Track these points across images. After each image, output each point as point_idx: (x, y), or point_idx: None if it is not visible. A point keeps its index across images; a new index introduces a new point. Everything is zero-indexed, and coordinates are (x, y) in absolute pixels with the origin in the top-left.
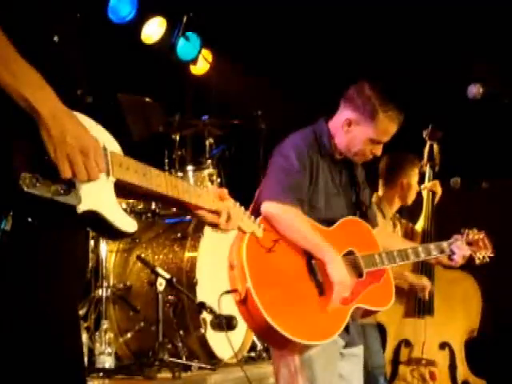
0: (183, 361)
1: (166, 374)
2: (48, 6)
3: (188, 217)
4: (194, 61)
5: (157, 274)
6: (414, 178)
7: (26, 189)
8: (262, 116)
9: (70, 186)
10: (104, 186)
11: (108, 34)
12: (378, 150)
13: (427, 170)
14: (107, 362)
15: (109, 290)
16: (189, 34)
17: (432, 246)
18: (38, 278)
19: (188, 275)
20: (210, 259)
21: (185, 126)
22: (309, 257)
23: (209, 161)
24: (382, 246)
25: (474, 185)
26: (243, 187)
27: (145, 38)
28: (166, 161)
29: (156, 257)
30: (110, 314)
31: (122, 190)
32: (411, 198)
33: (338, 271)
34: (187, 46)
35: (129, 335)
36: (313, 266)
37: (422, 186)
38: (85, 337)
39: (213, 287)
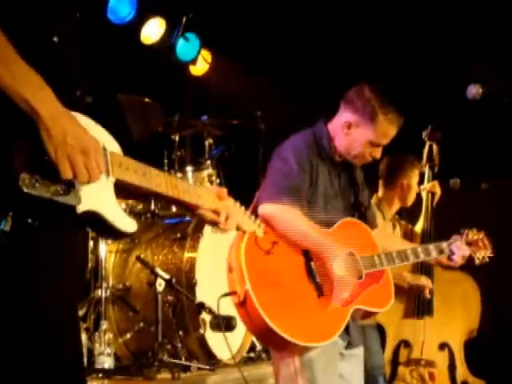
0: (182, 361)
1: (165, 375)
2: (48, 7)
3: (187, 217)
4: (194, 61)
5: (156, 275)
6: (414, 179)
7: (25, 189)
8: (261, 116)
9: (70, 186)
10: (104, 186)
11: (107, 34)
12: (378, 153)
13: (426, 170)
14: (106, 362)
15: (108, 291)
16: (188, 34)
17: (431, 246)
18: (37, 278)
19: (187, 276)
20: (209, 260)
21: (184, 127)
22: (307, 258)
23: (208, 161)
24: (382, 247)
25: (473, 185)
26: (243, 188)
27: (144, 39)
28: (166, 161)
29: (155, 257)
30: (109, 315)
31: (122, 190)
32: (411, 199)
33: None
34: (186, 47)
35: (128, 336)
36: (311, 267)
37: (422, 187)
38: (84, 337)
39: (212, 288)
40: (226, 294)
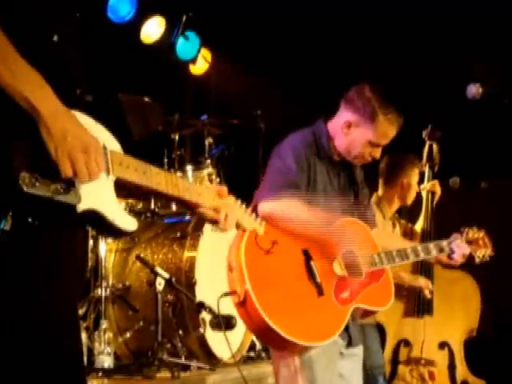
0: (182, 360)
1: (165, 374)
2: (48, 6)
3: (187, 216)
4: (194, 60)
5: (156, 274)
6: (414, 178)
7: (25, 188)
8: (261, 116)
9: (70, 185)
10: (104, 184)
11: (107, 33)
12: (377, 153)
13: (426, 169)
14: (106, 361)
15: (108, 290)
16: (188, 33)
17: (431, 245)
18: (37, 278)
19: (187, 275)
20: (209, 259)
21: (184, 126)
22: (307, 258)
23: (208, 160)
24: (381, 246)
25: (473, 185)
26: (242, 187)
27: (144, 38)
28: (166, 160)
29: (155, 256)
30: (109, 314)
31: (122, 188)
32: (411, 198)
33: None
34: (186, 46)
35: (128, 335)
36: (312, 267)
37: (422, 186)
38: (84, 336)
39: (212, 287)
40: (226, 294)
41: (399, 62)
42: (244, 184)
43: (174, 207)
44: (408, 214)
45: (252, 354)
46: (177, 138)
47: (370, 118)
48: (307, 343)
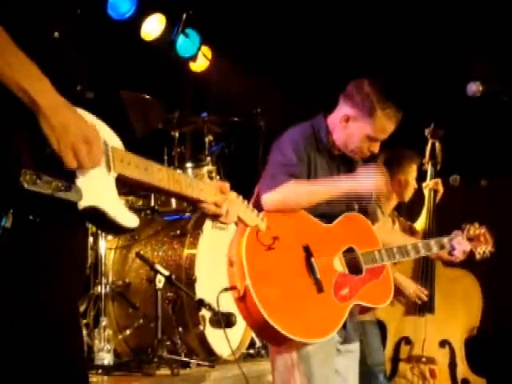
0: (182, 358)
1: (164, 371)
2: (48, 3)
3: (187, 214)
4: (194, 58)
5: (156, 271)
6: (412, 174)
7: (26, 186)
8: (261, 113)
9: (71, 182)
10: (105, 181)
11: (107, 30)
12: (376, 148)
13: (429, 168)
14: (106, 358)
15: (108, 287)
16: (188, 30)
17: (432, 241)
18: (38, 277)
19: (187, 272)
20: (209, 256)
21: (184, 123)
22: (307, 254)
23: (208, 158)
24: (383, 241)
25: (473, 183)
26: (242, 184)
27: (144, 35)
28: (166, 158)
29: (155, 254)
30: (109, 311)
31: (124, 185)
32: (408, 194)
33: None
34: (187, 43)
35: (128, 332)
36: (312, 263)
37: (424, 184)
38: (84, 333)
39: (212, 284)
40: (226, 289)
41: (399, 61)
42: (244, 181)
43: (173, 204)
44: (407, 211)
45: (252, 351)
46: (177, 135)
47: (369, 113)
48: (305, 340)
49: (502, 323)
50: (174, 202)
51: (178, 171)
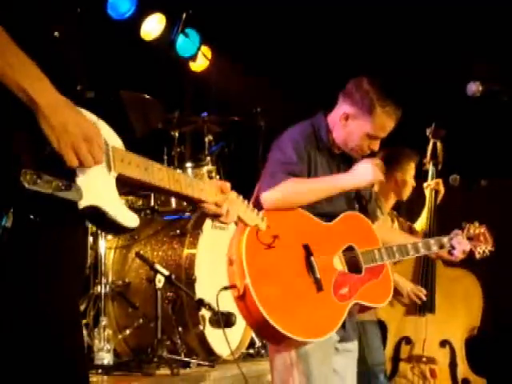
0: (182, 357)
1: (164, 371)
2: (48, 2)
3: (187, 214)
4: (194, 57)
5: (156, 271)
6: (410, 172)
7: (27, 185)
8: (261, 113)
9: (71, 181)
10: (106, 181)
11: (107, 30)
12: (376, 145)
13: (430, 167)
14: (106, 358)
15: (108, 287)
16: (188, 30)
17: (432, 241)
18: (38, 277)
19: (187, 272)
20: (208, 256)
21: (184, 123)
22: (307, 253)
23: (208, 158)
24: (383, 240)
25: (472, 183)
26: (242, 184)
27: (144, 35)
28: (165, 158)
29: (155, 253)
30: (108, 311)
31: (124, 185)
32: (406, 193)
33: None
34: (186, 43)
35: (127, 332)
36: (312, 262)
37: (425, 185)
38: (84, 333)
39: (211, 284)
40: (226, 288)
41: (399, 61)
42: (244, 181)
43: (173, 204)
44: (407, 211)
45: (251, 351)
46: (177, 135)
47: (368, 111)
48: (305, 339)
49: (502, 323)
50: (173, 201)
51: (178, 171)
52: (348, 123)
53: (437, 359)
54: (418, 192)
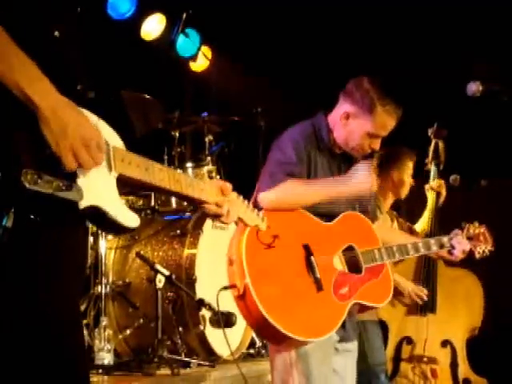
0: (182, 357)
1: (165, 371)
2: (48, 2)
3: (187, 214)
4: (194, 57)
5: (156, 271)
6: (407, 171)
7: (27, 185)
8: (261, 113)
9: (72, 181)
10: (106, 181)
11: (107, 30)
12: (377, 144)
13: (432, 167)
14: (106, 358)
15: (108, 287)
16: (188, 30)
17: (432, 240)
18: (38, 277)
19: (187, 272)
20: (209, 256)
21: (184, 123)
22: (307, 253)
23: (208, 158)
24: (383, 240)
25: (473, 183)
26: (242, 184)
27: (144, 35)
28: (166, 158)
29: (155, 254)
30: (109, 311)
31: (125, 185)
32: (404, 192)
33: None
34: (187, 43)
35: (128, 332)
36: (312, 262)
37: (427, 186)
38: (84, 333)
39: (212, 284)
40: (226, 287)
41: (399, 61)
42: (244, 181)
43: (174, 204)
44: (408, 212)
45: (252, 351)
46: (177, 135)
47: (369, 110)
48: (305, 338)
49: (503, 323)
50: (174, 201)
51: (179, 171)
52: (349, 122)
53: (438, 359)
54: (420, 193)
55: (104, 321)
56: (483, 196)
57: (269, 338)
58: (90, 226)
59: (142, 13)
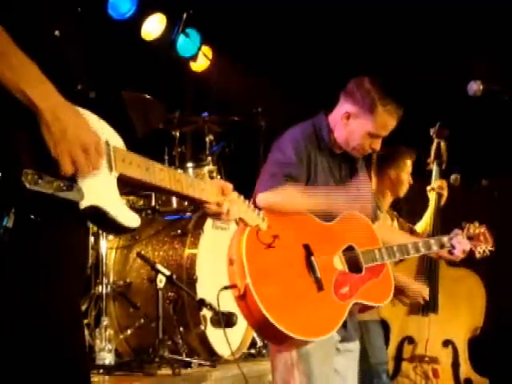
0: (183, 357)
1: (165, 371)
2: (49, 2)
3: (188, 214)
4: (194, 57)
5: (157, 271)
6: (405, 170)
7: (28, 185)
8: (261, 113)
9: (73, 181)
10: (107, 181)
11: (108, 30)
12: (377, 145)
13: (434, 167)
14: (107, 358)
15: (109, 287)
16: (189, 30)
17: (432, 240)
18: (38, 277)
19: (188, 272)
20: (209, 256)
21: (185, 123)
22: (308, 253)
23: (209, 157)
24: (383, 240)
25: (473, 183)
26: (243, 184)
27: (145, 35)
28: (166, 158)
29: (156, 253)
30: (110, 311)
31: (125, 185)
32: (403, 190)
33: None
34: (187, 43)
35: (129, 332)
36: (312, 262)
37: (429, 187)
38: (85, 333)
39: (213, 284)
40: (227, 287)
41: (399, 61)
42: (244, 181)
43: (174, 204)
44: (409, 212)
45: (253, 351)
46: (177, 135)
47: (369, 110)
48: (305, 338)
49: (504, 323)
50: (174, 201)
51: (179, 171)
52: (349, 122)
53: (439, 359)
54: (421, 193)
55: (105, 321)
56: (484, 196)
57: (270, 337)
58: (91, 226)
59: (142, 13)
